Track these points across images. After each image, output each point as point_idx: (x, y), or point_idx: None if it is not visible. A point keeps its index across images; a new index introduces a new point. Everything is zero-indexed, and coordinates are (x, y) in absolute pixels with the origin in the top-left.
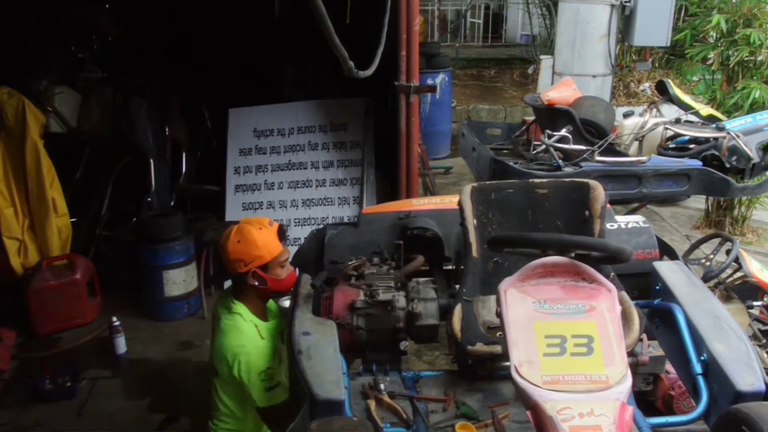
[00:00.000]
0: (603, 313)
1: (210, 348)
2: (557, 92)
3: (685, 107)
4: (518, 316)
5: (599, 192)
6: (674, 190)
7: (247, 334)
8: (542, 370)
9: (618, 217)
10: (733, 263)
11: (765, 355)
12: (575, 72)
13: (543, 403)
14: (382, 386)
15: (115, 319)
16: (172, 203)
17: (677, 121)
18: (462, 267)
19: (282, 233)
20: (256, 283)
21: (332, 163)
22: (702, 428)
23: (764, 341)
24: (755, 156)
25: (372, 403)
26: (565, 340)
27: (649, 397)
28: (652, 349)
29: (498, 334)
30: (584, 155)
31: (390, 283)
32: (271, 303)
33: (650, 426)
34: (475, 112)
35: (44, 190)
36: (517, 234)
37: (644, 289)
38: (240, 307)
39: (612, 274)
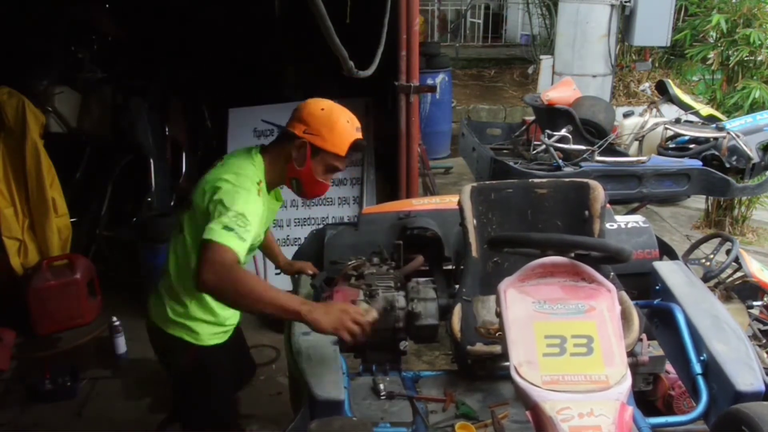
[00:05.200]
0: (603, 313)
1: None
2: (557, 92)
3: (685, 107)
4: (518, 316)
5: (599, 192)
6: (674, 190)
7: (248, 177)
8: (542, 370)
9: (618, 217)
10: (733, 263)
11: (765, 355)
12: (575, 72)
13: (542, 403)
14: (381, 386)
15: (115, 319)
16: (172, 203)
17: (677, 121)
18: (462, 267)
19: (358, 147)
20: (294, 156)
21: None
22: (702, 428)
23: (764, 341)
24: (755, 156)
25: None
26: (564, 340)
27: (649, 397)
28: (652, 349)
29: (497, 334)
30: (584, 155)
31: (390, 283)
32: (278, 191)
33: (650, 426)
34: (475, 112)
35: (44, 190)
36: (516, 234)
37: (644, 289)
38: (258, 160)
39: (612, 274)
